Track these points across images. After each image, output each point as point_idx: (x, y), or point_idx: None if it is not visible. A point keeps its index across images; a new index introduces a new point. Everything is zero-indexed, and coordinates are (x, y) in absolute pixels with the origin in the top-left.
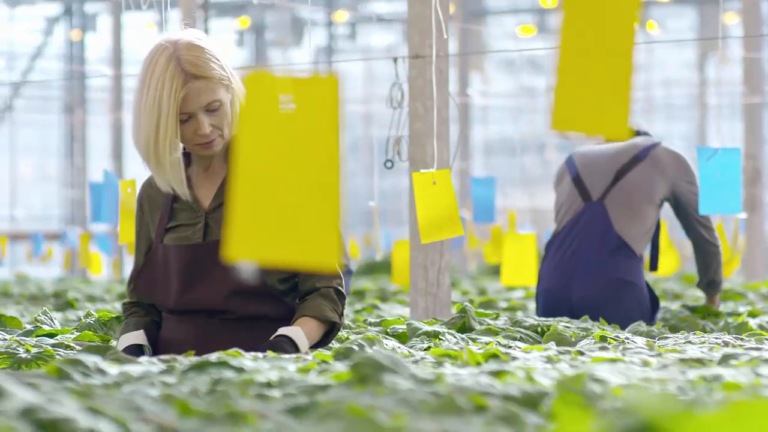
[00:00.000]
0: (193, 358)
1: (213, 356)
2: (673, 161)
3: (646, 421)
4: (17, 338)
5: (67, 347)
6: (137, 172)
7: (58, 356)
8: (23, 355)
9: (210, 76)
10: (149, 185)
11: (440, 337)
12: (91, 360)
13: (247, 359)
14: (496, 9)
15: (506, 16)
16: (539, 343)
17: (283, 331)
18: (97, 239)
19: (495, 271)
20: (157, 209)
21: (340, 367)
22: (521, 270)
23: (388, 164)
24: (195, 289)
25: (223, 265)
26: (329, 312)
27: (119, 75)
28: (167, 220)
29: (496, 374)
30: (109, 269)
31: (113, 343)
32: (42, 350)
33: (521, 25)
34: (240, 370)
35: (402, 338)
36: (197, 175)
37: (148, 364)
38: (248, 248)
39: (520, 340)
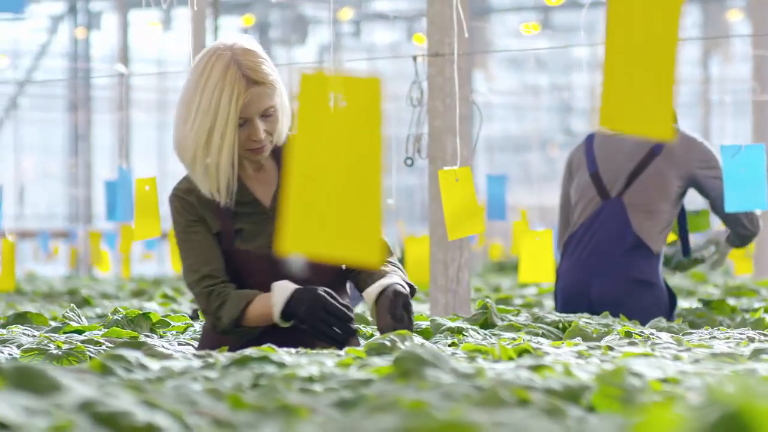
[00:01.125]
0: (233, 354)
1: (253, 351)
2: (685, 149)
3: (733, 412)
4: (46, 335)
5: (97, 343)
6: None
7: (88, 352)
8: (54, 352)
9: (268, 81)
10: (188, 192)
11: (464, 333)
12: (133, 355)
13: (285, 354)
14: (500, 7)
15: (510, 13)
16: (561, 338)
17: (386, 281)
18: (104, 237)
19: (500, 268)
20: (211, 212)
21: (381, 362)
22: (538, 266)
23: (408, 162)
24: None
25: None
26: (405, 278)
27: (127, 73)
28: (233, 227)
29: (535, 368)
30: (116, 267)
31: (142, 338)
32: (73, 347)
33: (525, 22)
34: (281, 365)
35: (425, 334)
36: (251, 178)
37: (188, 360)
38: (300, 242)
39: (543, 336)
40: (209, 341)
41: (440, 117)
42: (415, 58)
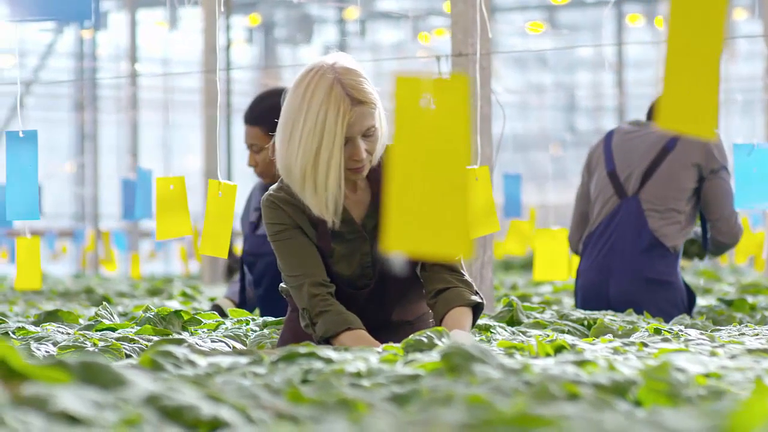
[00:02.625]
0: (280, 350)
1: (301, 348)
2: (699, 148)
3: None
4: (81, 332)
5: (131, 341)
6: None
7: (124, 349)
8: (91, 349)
9: (370, 101)
10: (285, 202)
11: (491, 330)
12: (181, 351)
13: (330, 350)
14: (505, 6)
15: (515, 12)
16: (586, 335)
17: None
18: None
19: (506, 266)
20: (308, 227)
21: (427, 358)
22: (554, 265)
23: None
24: (365, 308)
25: (393, 282)
26: (471, 296)
27: (135, 73)
28: (330, 246)
29: (579, 364)
30: (125, 266)
31: (175, 335)
32: (108, 344)
33: (530, 21)
34: (328, 360)
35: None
36: (346, 197)
37: (234, 356)
38: (401, 241)
39: (568, 332)
40: (292, 333)
41: None
42: (438, 58)
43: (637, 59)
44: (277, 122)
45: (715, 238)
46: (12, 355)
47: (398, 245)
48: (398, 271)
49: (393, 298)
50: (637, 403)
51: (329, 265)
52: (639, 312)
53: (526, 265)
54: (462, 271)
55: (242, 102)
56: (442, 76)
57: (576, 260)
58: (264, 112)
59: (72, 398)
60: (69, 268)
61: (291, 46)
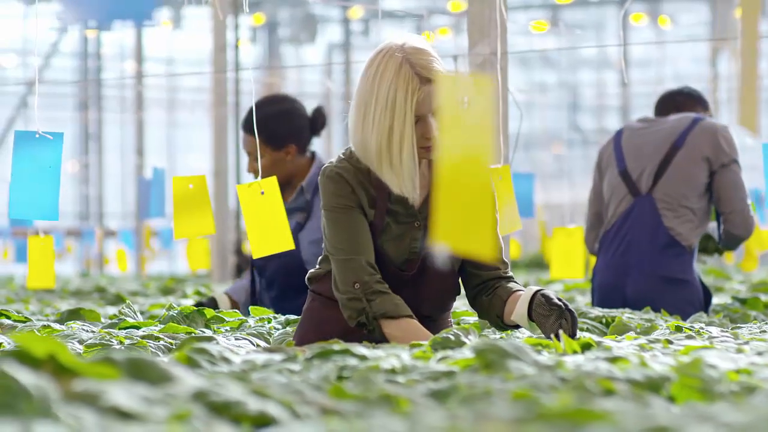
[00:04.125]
0: (314, 347)
1: (335, 345)
2: (708, 142)
3: None
4: (106, 330)
5: (156, 339)
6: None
7: (150, 347)
8: (117, 347)
9: None
10: (349, 171)
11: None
12: (216, 349)
13: (363, 347)
14: (509, 5)
15: (519, 11)
16: (605, 333)
17: (530, 291)
18: (121, 236)
19: (513, 265)
20: (366, 200)
21: (459, 355)
22: (570, 263)
23: None
24: (408, 296)
25: (435, 275)
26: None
27: (140, 71)
28: (384, 221)
29: (612, 360)
30: (134, 265)
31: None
32: (134, 342)
33: (534, 20)
34: (363, 357)
35: (474, 329)
36: None
37: (267, 353)
38: (447, 235)
39: (587, 330)
40: (313, 325)
41: None
42: (455, 58)
43: (641, 58)
44: (272, 132)
45: (729, 231)
46: (62, 352)
47: (444, 239)
48: (440, 264)
49: (429, 291)
50: (671, 399)
51: (378, 245)
52: (656, 310)
53: (531, 263)
54: (504, 265)
55: (247, 101)
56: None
57: (592, 259)
58: (259, 122)
59: (122, 394)
60: (73, 267)
61: (295, 45)
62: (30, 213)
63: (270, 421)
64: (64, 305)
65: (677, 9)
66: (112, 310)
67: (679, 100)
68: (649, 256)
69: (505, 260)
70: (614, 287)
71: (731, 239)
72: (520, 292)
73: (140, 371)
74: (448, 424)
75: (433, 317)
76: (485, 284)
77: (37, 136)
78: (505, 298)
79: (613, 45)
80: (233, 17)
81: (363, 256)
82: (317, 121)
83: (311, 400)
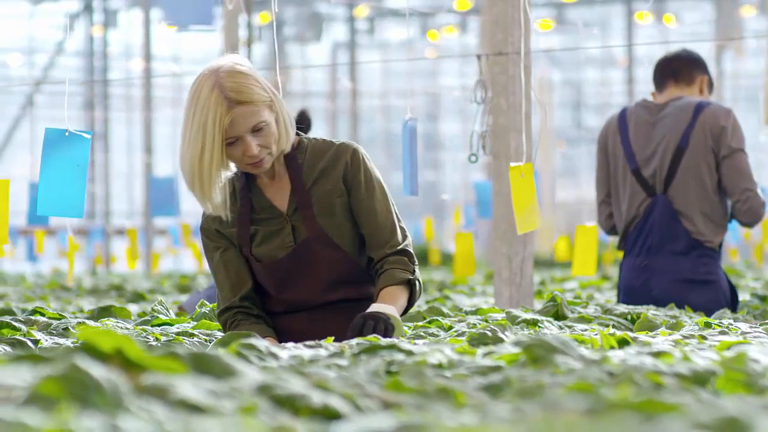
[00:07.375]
0: (362, 342)
1: (382, 340)
2: (710, 137)
3: None
4: (141, 327)
5: (191, 335)
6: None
7: (186, 344)
8: (154, 344)
9: (253, 100)
10: (209, 217)
11: (539, 324)
12: (263, 344)
13: (407, 343)
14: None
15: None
16: (631, 330)
17: (374, 308)
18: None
19: None
20: (231, 227)
21: (504, 350)
22: (588, 260)
23: (473, 158)
24: (296, 290)
25: (317, 262)
26: (402, 274)
27: (149, 70)
28: (250, 232)
29: (656, 355)
30: (145, 263)
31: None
32: (170, 338)
33: (539, 19)
34: (409, 353)
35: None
36: (267, 185)
37: (314, 349)
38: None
39: (613, 327)
40: None
41: (503, 114)
42: (479, 57)
43: (645, 56)
44: None
45: (738, 219)
46: (129, 346)
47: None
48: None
49: (319, 278)
50: (716, 393)
51: (254, 251)
52: (680, 307)
53: (538, 262)
54: (401, 243)
55: None
56: (482, 75)
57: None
58: None
59: (190, 387)
60: (79, 265)
61: (300, 44)
62: (57, 210)
63: (334, 414)
64: (85, 303)
65: (682, 7)
66: (133, 308)
67: (675, 67)
68: (672, 258)
69: (398, 238)
70: (640, 290)
71: (743, 224)
72: (383, 291)
73: (205, 365)
74: (519, 418)
75: (347, 300)
76: (376, 264)
77: (67, 134)
78: (378, 289)
79: (618, 45)
80: (245, 15)
81: (234, 292)
82: (303, 124)
83: (371, 394)
